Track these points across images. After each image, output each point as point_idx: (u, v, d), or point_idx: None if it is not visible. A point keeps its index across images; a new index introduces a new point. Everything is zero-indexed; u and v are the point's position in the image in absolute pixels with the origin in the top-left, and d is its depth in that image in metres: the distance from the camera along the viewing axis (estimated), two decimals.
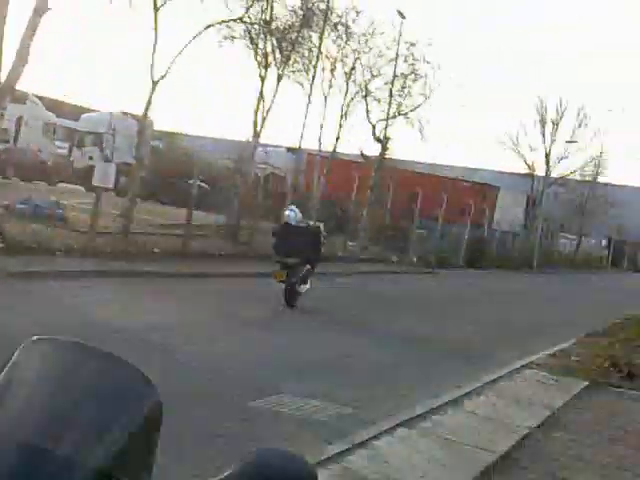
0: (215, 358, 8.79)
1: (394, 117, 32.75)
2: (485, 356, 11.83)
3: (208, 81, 78.78)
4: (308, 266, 14.27)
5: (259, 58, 24.95)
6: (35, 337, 1.20)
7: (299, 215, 14.97)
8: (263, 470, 1.12)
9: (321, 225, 18.74)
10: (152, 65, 19.46)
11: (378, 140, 33.10)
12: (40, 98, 32.01)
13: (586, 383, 10.10)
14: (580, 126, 50.85)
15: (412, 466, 5.85)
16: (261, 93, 24.55)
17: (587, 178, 53.92)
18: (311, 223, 18.29)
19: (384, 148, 33.21)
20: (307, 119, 28.39)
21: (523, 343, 13.50)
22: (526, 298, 24.24)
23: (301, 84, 28.57)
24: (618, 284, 40.11)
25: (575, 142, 50.14)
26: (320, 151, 29.37)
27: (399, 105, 32.68)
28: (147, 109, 20.53)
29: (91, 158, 28.17)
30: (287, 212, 15.08)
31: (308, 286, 14.24)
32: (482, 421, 7.52)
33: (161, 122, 40.92)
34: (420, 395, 8.26)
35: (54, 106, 34.40)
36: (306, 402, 7.39)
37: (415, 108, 32.80)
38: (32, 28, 14.60)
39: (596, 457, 6.96)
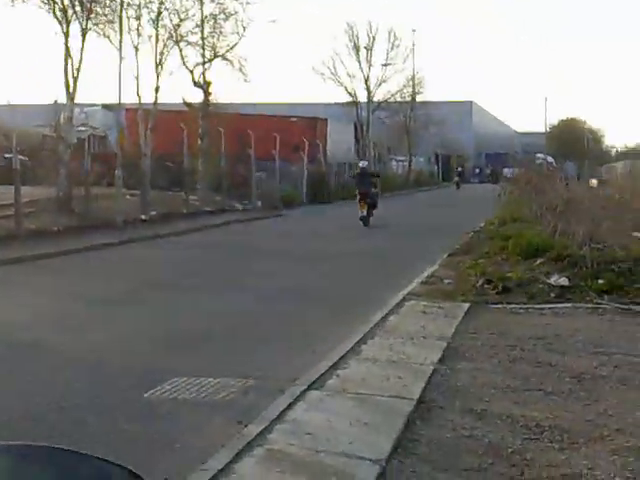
0: (91, 349, 8.07)
1: (211, 60, 31.85)
2: (361, 294, 11.67)
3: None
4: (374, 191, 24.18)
5: (58, 14, 23.25)
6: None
7: (367, 164, 27.47)
8: None
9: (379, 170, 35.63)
10: None
11: (199, 86, 32.15)
12: None
13: (467, 305, 10.14)
14: (393, 48, 51.68)
15: (336, 432, 5.49)
16: (67, 51, 22.92)
17: (407, 99, 55.09)
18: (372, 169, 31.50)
19: (207, 93, 32.30)
20: (122, 73, 27.08)
21: (391, 274, 13.47)
22: (384, 225, 24.19)
23: (108, 37, 27.10)
24: (451, 198, 41.49)
25: (390, 64, 51.00)
26: (141, 105, 28.10)
27: (214, 47, 31.82)
28: None
29: None
30: (361, 163, 27.18)
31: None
32: (386, 366, 7.27)
33: None
34: (318, 350, 7.92)
35: None
36: (204, 381, 6.86)
37: (231, 48, 32.00)
38: None
39: (504, 382, 6.89)
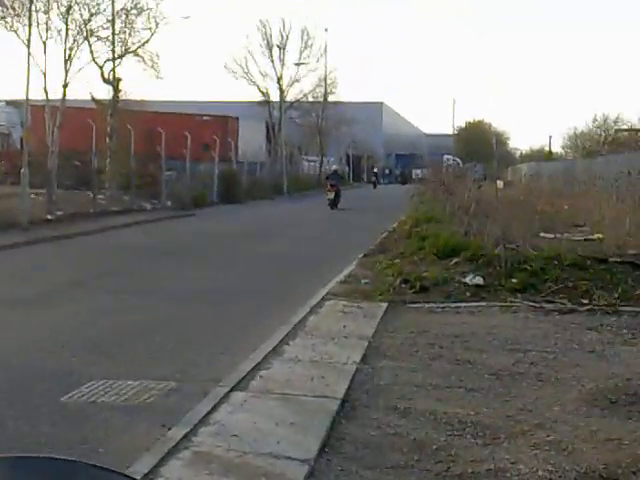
0: (2, 352, 7.77)
1: (122, 56, 31.24)
2: (280, 292, 11.63)
3: None
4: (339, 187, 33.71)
5: None
6: None
7: (337, 167, 45.23)
8: None
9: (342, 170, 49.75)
10: None
11: (108, 82, 31.49)
12: None
13: (385, 305, 10.22)
14: (306, 47, 51.74)
15: (263, 433, 5.44)
16: None
17: (320, 99, 55.27)
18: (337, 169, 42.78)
19: (116, 90, 31.65)
20: (29, 68, 26.25)
21: (309, 274, 13.48)
22: (297, 226, 24.36)
23: (15, 31, 26.27)
24: (364, 199, 41.86)
25: (303, 64, 51.04)
26: (48, 101, 27.31)
27: (125, 42, 31.23)
28: None
29: None
30: (333, 167, 45.25)
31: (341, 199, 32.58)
32: (309, 366, 7.25)
33: None
34: (239, 351, 7.84)
35: None
36: (123, 384, 6.69)
37: (143, 44, 31.53)
38: None
39: (425, 379, 6.97)
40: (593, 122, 65.66)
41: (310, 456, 5.08)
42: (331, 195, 32.47)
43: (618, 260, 11.52)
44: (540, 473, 4.89)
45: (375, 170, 63.97)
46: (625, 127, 58.48)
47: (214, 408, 5.93)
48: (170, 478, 4.68)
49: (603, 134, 62.46)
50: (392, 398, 6.43)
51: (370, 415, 6.02)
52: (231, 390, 6.38)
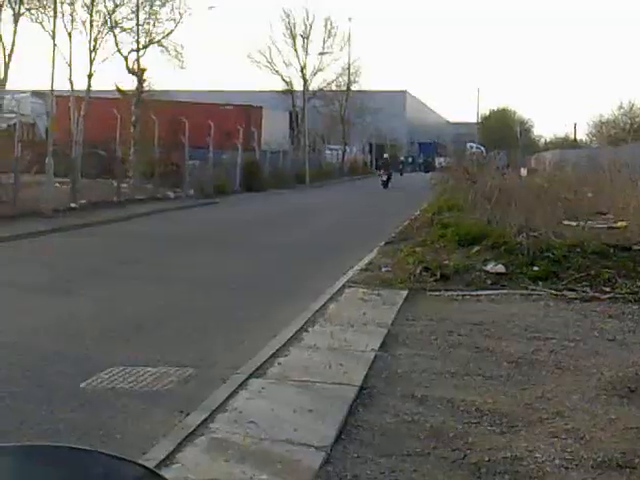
0: (22, 336, 7.84)
1: (146, 47, 31.33)
2: (301, 283, 11.64)
3: None
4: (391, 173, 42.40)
5: None
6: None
7: (388, 155, 47.12)
8: None
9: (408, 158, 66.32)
10: None
11: (133, 73, 31.59)
12: None
13: (405, 292, 10.19)
14: (329, 37, 51.60)
15: (280, 420, 5.45)
16: None
17: (343, 88, 55.14)
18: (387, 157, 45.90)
19: (141, 80, 31.75)
20: (54, 59, 26.42)
21: (329, 262, 13.48)
22: (319, 214, 24.34)
23: (41, 22, 26.41)
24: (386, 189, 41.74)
25: (327, 53, 50.95)
26: (73, 91, 27.47)
27: (149, 33, 31.32)
28: None
29: None
30: (385, 155, 46.86)
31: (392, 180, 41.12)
32: (327, 354, 7.25)
33: None
34: (258, 338, 7.86)
35: None
36: (142, 371, 6.73)
37: (167, 35, 31.61)
38: None
39: (444, 367, 6.95)
40: (619, 109, 65.05)
41: (327, 443, 5.08)
42: (385, 177, 41.25)
43: None
44: (557, 462, 4.86)
45: (401, 158, 63.17)
46: None
47: (232, 395, 5.94)
48: (187, 464, 4.70)
49: (629, 121, 61.77)
50: (410, 385, 6.41)
51: (387, 402, 6.01)
52: (249, 377, 6.40)
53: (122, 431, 5.33)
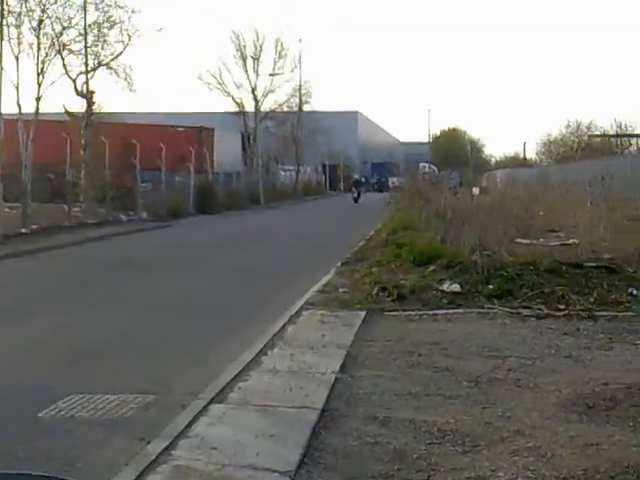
0: None
1: (94, 69, 31.12)
2: (259, 301, 11.61)
3: None
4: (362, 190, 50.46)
5: None
6: None
7: (359, 176, 59.00)
8: None
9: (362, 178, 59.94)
10: None
11: (82, 95, 31.34)
12: None
13: (363, 313, 10.22)
14: (280, 58, 51.75)
15: (242, 445, 5.42)
16: None
17: (295, 109, 55.32)
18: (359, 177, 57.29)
19: (90, 103, 31.50)
20: (1, 83, 26.05)
21: (286, 283, 13.47)
22: (274, 236, 24.32)
23: None
24: (340, 208, 41.92)
25: (278, 74, 51.09)
26: (21, 114, 27.12)
27: (97, 55, 31.12)
28: None
29: None
30: (356, 176, 59.24)
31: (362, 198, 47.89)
32: (288, 377, 7.23)
33: None
34: (216, 362, 7.80)
35: None
36: (101, 398, 6.63)
37: (115, 57, 31.41)
38: None
39: (404, 388, 6.97)
40: (566, 128, 66.34)
41: (290, 468, 5.06)
42: (355, 194, 47.71)
43: (593, 265, 11.60)
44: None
45: (360, 178, 58.44)
46: (598, 133, 59.12)
47: (193, 421, 5.89)
48: None
49: (576, 140, 63.05)
50: (371, 407, 6.42)
51: (350, 425, 6.00)
52: (210, 402, 6.35)
53: (83, 460, 5.25)
